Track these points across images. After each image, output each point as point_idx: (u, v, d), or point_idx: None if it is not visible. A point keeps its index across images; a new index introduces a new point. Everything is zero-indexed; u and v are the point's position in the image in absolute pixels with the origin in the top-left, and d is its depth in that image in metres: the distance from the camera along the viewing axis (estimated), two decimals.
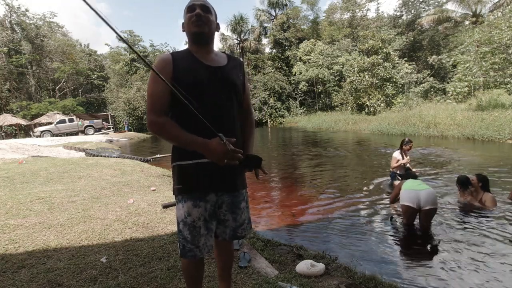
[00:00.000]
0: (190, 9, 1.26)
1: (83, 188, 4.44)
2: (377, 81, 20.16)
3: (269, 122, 28.33)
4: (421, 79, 22.33)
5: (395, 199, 3.51)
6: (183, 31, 1.31)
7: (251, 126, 1.48)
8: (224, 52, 1.42)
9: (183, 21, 1.31)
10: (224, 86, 1.27)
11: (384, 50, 20.32)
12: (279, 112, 29.52)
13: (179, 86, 1.09)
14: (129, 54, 35.50)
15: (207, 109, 1.18)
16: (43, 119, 25.69)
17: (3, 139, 20.64)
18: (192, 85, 1.19)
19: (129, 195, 4.15)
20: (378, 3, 42.32)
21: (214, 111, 1.22)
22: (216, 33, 1.38)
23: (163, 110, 1.20)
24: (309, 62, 27.83)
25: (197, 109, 1.02)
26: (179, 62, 1.23)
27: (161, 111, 1.19)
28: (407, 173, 3.71)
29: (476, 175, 3.69)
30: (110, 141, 17.98)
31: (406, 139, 4.85)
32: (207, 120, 1.05)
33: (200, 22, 1.23)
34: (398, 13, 29.62)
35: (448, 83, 19.64)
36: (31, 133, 25.35)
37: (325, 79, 26.92)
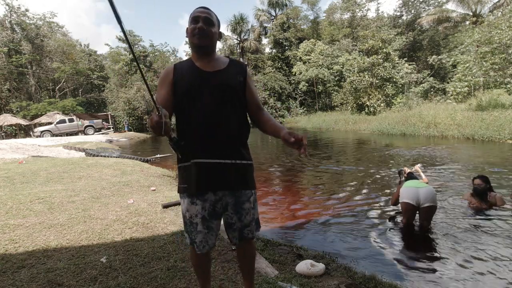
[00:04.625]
0: (194, 20, 1.32)
1: (83, 188, 4.44)
2: (377, 81, 20.15)
3: None
4: (421, 79, 22.32)
5: (396, 201, 3.50)
6: (187, 36, 1.37)
7: (268, 116, 1.44)
8: (228, 57, 1.46)
9: (187, 26, 1.36)
10: (219, 89, 1.31)
11: (384, 50, 20.29)
12: (279, 112, 29.52)
13: (178, 92, 1.32)
14: (129, 54, 35.48)
15: (200, 111, 1.29)
16: (43, 119, 25.66)
17: (3, 139, 20.63)
18: (186, 90, 1.31)
19: (129, 195, 4.15)
20: (378, 3, 42.48)
21: (206, 113, 1.29)
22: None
23: None
24: (309, 62, 27.82)
25: (191, 113, 1.28)
26: (180, 71, 1.36)
27: None
28: (408, 175, 3.72)
29: (480, 177, 3.67)
30: (110, 141, 17.97)
31: None
32: (200, 123, 1.28)
33: (202, 36, 1.31)
34: (398, 13, 29.63)
35: (448, 83, 19.63)
36: (31, 133, 25.35)
37: (325, 79, 26.92)
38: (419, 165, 5.06)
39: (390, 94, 20.07)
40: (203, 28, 1.29)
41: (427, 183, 4.53)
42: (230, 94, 1.33)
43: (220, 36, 1.41)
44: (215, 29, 1.35)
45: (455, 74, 17.74)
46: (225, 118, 1.31)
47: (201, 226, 1.34)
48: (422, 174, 4.84)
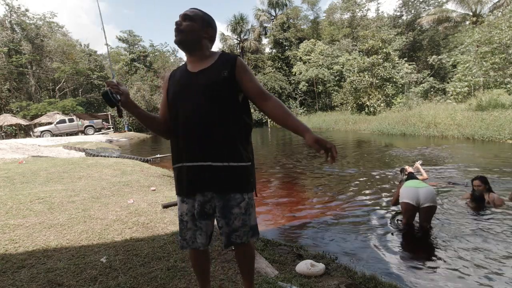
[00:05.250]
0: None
1: (83, 188, 4.44)
2: (377, 81, 20.16)
3: (269, 122, 28.31)
4: (421, 79, 22.32)
5: (396, 201, 3.50)
6: None
7: (277, 107, 1.32)
8: (222, 51, 1.43)
9: None
10: (205, 88, 1.29)
11: (384, 50, 20.30)
12: None
13: (170, 98, 1.38)
14: (129, 54, 35.52)
15: (196, 112, 1.29)
16: (43, 119, 25.67)
17: (3, 139, 20.63)
18: (176, 93, 1.35)
19: (129, 195, 4.15)
20: (378, 3, 42.44)
21: (202, 114, 1.28)
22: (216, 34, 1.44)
23: (161, 115, 1.46)
24: (309, 62, 27.82)
25: (187, 114, 1.29)
26: (173, 79, 1.41)
27: (161, 116, 1.46)
28: (409, 175, 3.73)
29: (479, 178, 3.67)
30: (110, 141, 17.98)
31: None
32: (196, 123, 1.28)
33: (176, 31, 1.31)
34: (398, 13, 29.60)
35: (448, 83, 19.63)
36: (31, 133, 25.36)
37: (325, 79, 26.92)
38: (419, 162, 5.09)
39: (390, 94, 20.07)
40: (177, 23, 1.30)
41: (427, 178, 4.58)
42: (217, 91, 1.27)
43: (210, 36, 1.36)
44: (195, 25, 1.29)
45: (455, 74, 17.74)
46: (209, 115, 1.27)
47: (191, 224, 1.36)
48: (422, 170, 4.87)
